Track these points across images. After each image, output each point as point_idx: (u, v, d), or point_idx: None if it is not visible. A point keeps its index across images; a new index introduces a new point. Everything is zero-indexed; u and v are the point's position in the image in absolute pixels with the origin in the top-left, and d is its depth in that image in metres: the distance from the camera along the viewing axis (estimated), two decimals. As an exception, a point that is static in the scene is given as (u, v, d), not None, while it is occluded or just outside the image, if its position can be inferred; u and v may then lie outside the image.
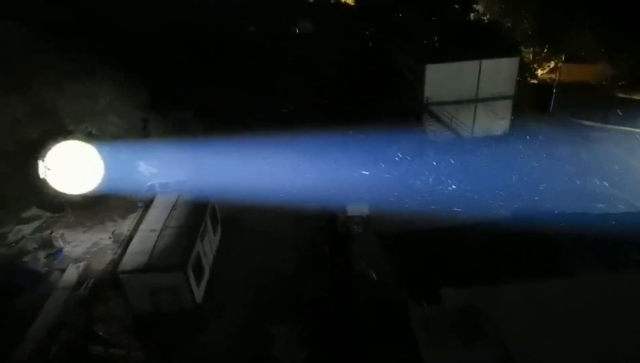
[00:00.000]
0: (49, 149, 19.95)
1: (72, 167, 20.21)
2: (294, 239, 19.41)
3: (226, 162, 22.56)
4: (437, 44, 32.83)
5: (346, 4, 44.34)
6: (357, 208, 20.18)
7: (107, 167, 20.98)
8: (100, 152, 21.03)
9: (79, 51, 22.40)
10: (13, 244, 19.62)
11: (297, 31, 38.70)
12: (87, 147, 20.96)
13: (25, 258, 18.77)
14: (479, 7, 35.40)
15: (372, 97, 28.91)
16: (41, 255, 19.04)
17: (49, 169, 19.58)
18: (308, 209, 20.38)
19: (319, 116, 26.49)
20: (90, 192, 20.94)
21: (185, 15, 31.40)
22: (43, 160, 19.61)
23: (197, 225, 17.58)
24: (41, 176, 19.66)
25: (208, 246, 18.09)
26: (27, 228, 20.49)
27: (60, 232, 20.39)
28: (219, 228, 19.87)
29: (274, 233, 19.72)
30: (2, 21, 20.70)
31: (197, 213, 18.44)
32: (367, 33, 36.58)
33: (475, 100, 27.39)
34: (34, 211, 21.38)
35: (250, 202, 19.78)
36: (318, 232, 19.85)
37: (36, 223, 20.89)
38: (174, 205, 19.10)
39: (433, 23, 33.55)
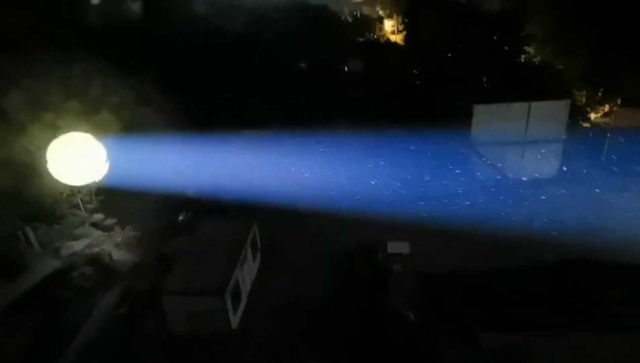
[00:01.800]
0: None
1: (74, 158, 20.63)
2: (333, 271, 19.34)
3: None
4: (486, 85, 32.69)
5: (395, 43, 45.27)
6: (398, 246, 19.99)
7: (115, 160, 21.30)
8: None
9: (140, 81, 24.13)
10: (64, 259, 20.66)
11: (346, 69, 39.71)
12: (90, 138, 21.33)
13: (74, 273, 19.68)
14: (530, 49, 35.13)
15: (417, 135, 28.93)
16: (89, 271, 19.93)
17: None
18: (350, 243, 20.42)
19: (361, 155, 26.81)
20: (96, 184, 21.33)
21: (236, 50, 33.14)
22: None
23: (238, 251, 17.89)
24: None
25: (247, 273, 18.31)
26: (77, 245, 21.57)
27: (109, 250, 21.31)
28: (259, 256, 20.13)
29: (313, 264, 19.77)
30: (74, 53, 22.80)
31: (239, 239, 18.79)
32: (416, 72, 37.02)
33: (524, 143, 26.83)
34: (86, 228, 22.57)
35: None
36: (357, 266, 19.70)
37: (87, 241, 21.96)
38: (216, 230, 19.58)
39: (482, 64, 33.53)
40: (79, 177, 21.31)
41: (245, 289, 17.83)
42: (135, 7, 59.81)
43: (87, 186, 23.19)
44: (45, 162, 20.56)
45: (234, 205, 23.12)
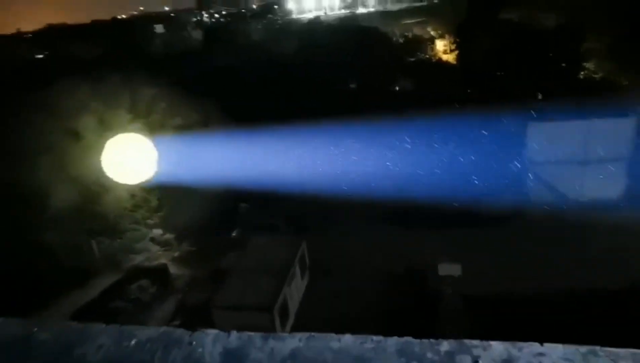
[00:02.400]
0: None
1: (126, 158, 21.35)
2: (381, 292, 19.06)
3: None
4: (542, 102, 31.48)
5: (447, 62, 44.78)
6: (449, 268, 19.44)
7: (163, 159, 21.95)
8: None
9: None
10: (124, 271, 21.82)
11: (397, 88, 39.69)
12: (142, 139, 22.09)
13: (133, 286, 20.71)
14: (590, 65, 33.52)
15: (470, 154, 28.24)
16: (146, 284, 20.90)
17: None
18: (400, 264, 20.14)
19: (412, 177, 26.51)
20: (144, 182, 22.06)
21: (288, 74, 34.14)
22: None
23: (287, 268, 18.14)
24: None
25: (295, 290, 18.47)
26: (137, 258, 22.74)
27: (166, 264, 22.28)
28: (307, 274, 20.26)
29: (361, 284, 19.58)
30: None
31: (288, 257, 19.07)
32: (468, 91, 36.32)
33: (584, 162, 25.44)
34: (145, 243, 23.77)
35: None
36: (406, 287, 19.32)
37: (146, 255, 23.11)
38: (266, 247, 19.98)
39: (538, 81, 32.37)
40: (131, 176, 22.05)
41: (293, 306, 17.98)
42: (197, 35, 63.56)
43: (147, 203, 24.49)
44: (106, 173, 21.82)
45: (285, 223, 23.55)
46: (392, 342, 0.99)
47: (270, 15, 79.59)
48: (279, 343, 1.01)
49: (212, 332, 1.08)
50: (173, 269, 21.95)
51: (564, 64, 32.81)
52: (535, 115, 27.56)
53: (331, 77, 35.85)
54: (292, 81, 33.98)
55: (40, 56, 57.41)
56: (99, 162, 22.27)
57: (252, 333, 1.05)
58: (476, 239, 21.52)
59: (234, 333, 1.05)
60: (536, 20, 36.93)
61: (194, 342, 1.06)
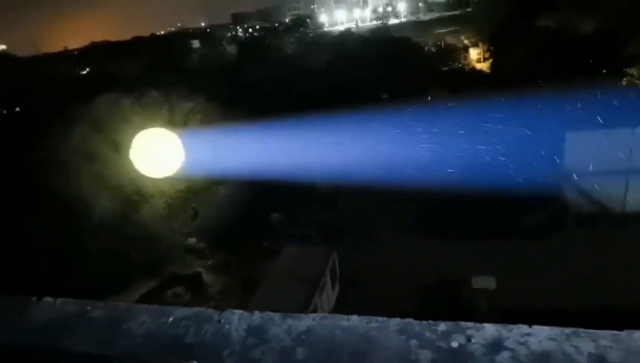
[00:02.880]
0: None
1: (153, 152, 21.42)
2: (412, 304, 18.84)
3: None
4: (580, 111, 30.51)
5: (481, 71, 44.20)
6: (483, 281, 19.00)
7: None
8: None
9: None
10: (159, 278, 22.50)
11: (429, 98, 39.45)
12: (169, 134, 22.23)
13: (167, 293, 21.34)
14: (633, 71, 32.33)
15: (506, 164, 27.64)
16: (180, 291, 21.50)
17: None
18: (432, 278, 19.89)
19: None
20: (171, 176, 22.17)
21: (322, 82, 34.55)
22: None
23: (317, 278, 18.26)
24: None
25: (326, 300, 18.55)
26: (172, 266, 23.41)
27: (200, 272, 22.85)
28: (338, 284, 20.30)
29: (392, 295, 19.43)
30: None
31: (319, 266, 19.19)
32: (503, 100, 35.68)
33: (628, 172, 24.45)
34: (180, 251, 24.46)
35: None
36: (439, 300, 19.04)
37: (180, 263, 23.77)
38: (298, 256, 20.18)
39: (577, 89, 31.45)
40: (157, 169, 22.21)
41: (324, 316, 18.08)
42: (231, 49, 65.34)
43: (183, 212, 25.22)
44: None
45: (317, 232, 23.73)
46: (395, 322, 1.11)
47: (302, 29, 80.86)
48: (295, 322, 1.16)
49: (238, 311, 1.23)
50: (207, 277, 22.47)
51: (604, 70, 31.81)
52: (574, 124, 26.78)
53: (363, 87, 36.03)
54: (324, 92, 34.35)
55: (85, 72, 60.41)
56: (138, 172, 23.16)
57: (272, 313, 1.20)
58: (512, 251, 20.99)
59: (257, 313, 1.21)
60: (574, 25, 36.03)
61: (222, 320, 1.22)
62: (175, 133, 22.18)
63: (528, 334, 1.02)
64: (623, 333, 0.98)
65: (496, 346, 1.01)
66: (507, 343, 1.01)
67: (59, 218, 20.60)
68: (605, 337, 0.98)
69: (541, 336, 1.01)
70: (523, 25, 37.49)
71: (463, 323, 1.07)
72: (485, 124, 30.39)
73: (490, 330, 1.05)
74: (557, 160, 26.24)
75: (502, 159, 26.42)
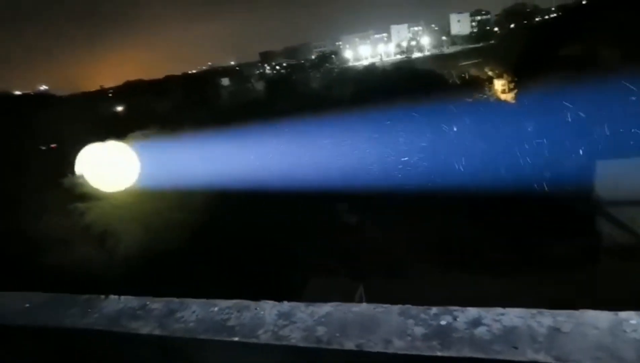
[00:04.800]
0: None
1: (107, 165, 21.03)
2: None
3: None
4: (608, 135, 30.01)
5: (506, 102, 44.18)
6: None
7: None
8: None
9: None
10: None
11: (455, 129, 39.54)
12: (122, 146, 21.89)
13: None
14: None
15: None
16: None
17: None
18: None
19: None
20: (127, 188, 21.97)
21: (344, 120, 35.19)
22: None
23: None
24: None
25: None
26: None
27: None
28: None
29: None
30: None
31: (345, 300, 19.16)
32: (529, 129, 35.49)
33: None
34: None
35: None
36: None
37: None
38: (323, 288, 20.20)
39: (605, 117, 31.06)
40: (110, 183, 22.09)
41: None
42: (259, 86, 67.67)
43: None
44: None
45: (343, 265, 23.73)
46: (396, 307, 1.39)
47: (327, 65, 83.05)
48: (316, 308, 1.44)
49: (271, 302, 1.53)
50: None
51: (633, 98, 31.34)
52: (607, 152, 26.34)
53: (386, 118, 36.52)
54: (348, 124, 34.99)
55: (120, 109, 63.40)
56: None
57: (298, 303, 1.49)
58: (541, 284, 20.45)
59: (286, 302, 1.50)
60: (601, 55, 35.89)
61: (258, 308, 1.51)
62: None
63: (502, 314, 1.28)
64: (577, 312, 1.23)
65: (476, 323, 1.27)
66: (485, 321, 1.27)
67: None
68: (562, 315, 1.23)
69: (512, 315, 1.27)
70: (548, 55, 37.57)
71: (451, 307, 1.34)
72: (513, 151, 30.23)
73: (472, 311, 1.31)
74: (590, 188, 25.68)
75: (530, 186, 26.16)
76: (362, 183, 27.52)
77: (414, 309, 1.37)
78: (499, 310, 1.29)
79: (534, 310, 1.26)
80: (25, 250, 21.52)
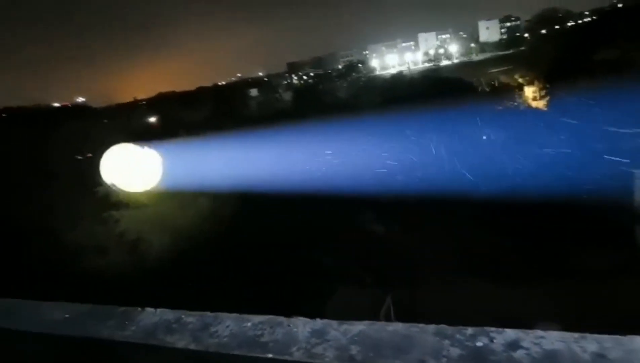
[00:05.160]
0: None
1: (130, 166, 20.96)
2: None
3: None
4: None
5: (537, 109, 43.11)
6: (547, 327, 17.97)
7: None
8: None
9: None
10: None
11: (485, 137, 38.82)
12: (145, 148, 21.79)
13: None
14: None
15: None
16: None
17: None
18: (492, 323, 18.94)
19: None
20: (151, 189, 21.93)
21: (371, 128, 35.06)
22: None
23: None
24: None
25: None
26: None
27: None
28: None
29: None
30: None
31: (372, 310, 18.96)
32: (562, 137, 34.50)
33: None
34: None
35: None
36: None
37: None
38: (351, 298, 20.07)
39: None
40: (132, 184, 22.17)
41: None
42: (287, 96, 68.41)
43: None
44: None
45: (370, 275, 23.53)
46: (431, 327, 1.36)
47: (354, 74, 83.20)
48: (350, 326, 1.43)
49: (303, 318, 1.53)
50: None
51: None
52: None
53: (414, 127, 36.21)
54: (375, 132, 34.87)
55: (152, 120, 65.14)
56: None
57: (331, 320, 1.48)
58: (577, 296, 19.70)
59: (318, 320, 1.50)
60: (638, 59, 34.69)
61: (290, 324, 1.52)
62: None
63: (542, 337, 1.24)
64: (625, 338, 1.18)
65: (514, 345, 1.23)
66: (524, 344, 1.23)
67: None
68: (608, 340, 1.18)
69: (553, 338, 1.23)
70: (582, 61, 36.59)
71: (487, 328, 1.31)
72: (545, 159, 29.44)
73: (510, 333, 1.28)
74: (628, 198, 24.71)
75: (564, 195, 25.35)
76: (389, 192, 27.30)
77: (449, 329, 1.34)
78: (539, 332, 1.25)
79: (576, 334, 1.22)
80: (62, 256, 22.28)
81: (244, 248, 25.51)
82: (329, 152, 30.34)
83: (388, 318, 19.56)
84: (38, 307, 2.15)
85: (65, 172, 29.68)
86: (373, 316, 18.48)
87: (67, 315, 1.98)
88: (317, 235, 25.68)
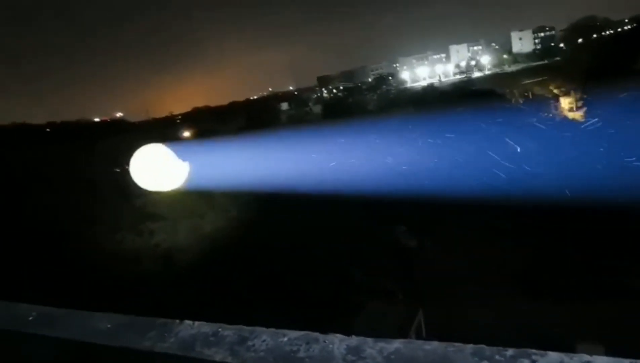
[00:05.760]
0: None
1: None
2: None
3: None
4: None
5: (574, 121, 41.84)
6: (590, 349, 17.17)
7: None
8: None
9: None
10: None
11: (519, 149, 37.90)
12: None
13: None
14: None
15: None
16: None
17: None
18: (529, 341, 18.31)
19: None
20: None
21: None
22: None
23: (402, 337, 17.73)
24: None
25: None
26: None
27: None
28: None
29: None
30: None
31: (403, 324, 18.66)
32: (601, 149, 33.23)
33: None
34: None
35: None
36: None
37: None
38: (381, 312, 19.82)
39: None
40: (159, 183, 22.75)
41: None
42: (317, 109, 69.01)
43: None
44: None
45: (401, 289, 23.21)
46: (470, 347, 1.34)
47: (384, 87, 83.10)
48: (386, 344, 1.43)
49: (339, 335, 1.53)
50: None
51: None
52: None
53: (446, 139, 35.73)
54: (405, 144, 34.58)
55: (187, 134, 66.84)
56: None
57: (366, 338, 1.48)
58: (622, 314, 18.79)
59: (354, 337, 1.50)
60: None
61: (326, 341, 1.52)
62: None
63: (589, 362, 1.20)
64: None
65: (558, 369, 1.19)
66: (568, 368, 1.19)
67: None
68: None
69: (600, 363, 1.18)
70: (621, 70, 35.37)
71: (529, 350, 1.27)
72: (585, 171, 28.43)
73: (554, 356, 1.24)
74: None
75: (606, 208, 24.35)
76: (421, 205, 26.94)
77: (487, 350, 1.31)
78: (585, 357, 1.21)
79: (626, 360, 1.17)
80: (102, 265, 22.99)
81: (275, 261, 25.71)
82: (359, 159, 30.23)
83: (419, 335, 19.16)
84: (81, 317, 2.24)
85: (104, 182, 30.75)
86: (403, 332, 18.15)
87: (108, 325, 2.05)
88: (348, 249, 25.57)
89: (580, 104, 41.26)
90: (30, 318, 2.37)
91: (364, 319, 19.69)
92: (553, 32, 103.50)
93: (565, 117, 43.48)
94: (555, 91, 50.70)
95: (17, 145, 36.53)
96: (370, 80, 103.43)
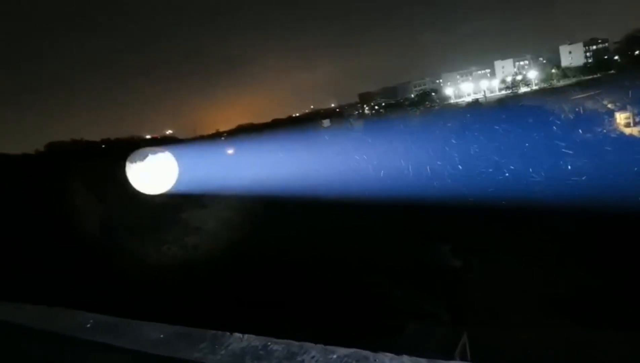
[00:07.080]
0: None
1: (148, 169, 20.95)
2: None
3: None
4: None
5: (632, 136, 39.77)
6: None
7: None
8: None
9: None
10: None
11: (569, 168, 36.35)
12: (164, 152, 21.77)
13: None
14: None
15: None
16: None
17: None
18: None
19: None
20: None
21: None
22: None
23: (446, 361, 17.12)
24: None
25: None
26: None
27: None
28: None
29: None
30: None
31: (445, 347, 18.04)
32: None
33: None
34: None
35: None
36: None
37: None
38: (423, 335, 19.26)
39: None
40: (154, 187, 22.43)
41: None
42: (357, 125, 69.28)
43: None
44: None
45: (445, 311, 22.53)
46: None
47: (427, 103, 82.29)
48: (436, 366, 1.39)
49: (389, 354, 1.50)
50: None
51: None
52: None
53: (490, 158, 34.79)
54: (450, 162, 33.95)
55: (232, 151, 68.57)
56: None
57: (418, 358, 1.44)
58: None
59: (406, 356, 1.47)
60: None
61: (377, 360, 1.50)
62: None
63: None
64: None
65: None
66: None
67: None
68: None
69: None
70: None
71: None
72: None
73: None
74: None
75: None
76: (468, 225, 26.23)
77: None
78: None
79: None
80: (149, 277, 23.79)
81: (314, 272, 25.68)
82: (404, 186, 29.92)
83: (464, 358, 18.45)
84: (135, 326, 2.32)
85: (153, 200, 31.96)
86: (448, 354, 17.50)
87: (161, 335, 2.11)
88: (390, 268, 25.19)
89: (638, 119, 39.11)
90: (88, 325, 2.48)
91: (406, 340, 19.18)
92: (606, 44, 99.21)
93: (622, 133, 41.33)
94: (610, 106, 48.40)
95: (75, 160, 38.84)
96: (412, 96, 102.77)
